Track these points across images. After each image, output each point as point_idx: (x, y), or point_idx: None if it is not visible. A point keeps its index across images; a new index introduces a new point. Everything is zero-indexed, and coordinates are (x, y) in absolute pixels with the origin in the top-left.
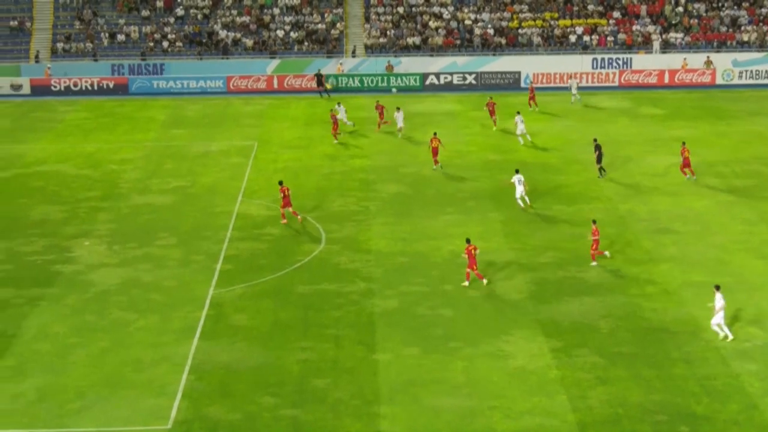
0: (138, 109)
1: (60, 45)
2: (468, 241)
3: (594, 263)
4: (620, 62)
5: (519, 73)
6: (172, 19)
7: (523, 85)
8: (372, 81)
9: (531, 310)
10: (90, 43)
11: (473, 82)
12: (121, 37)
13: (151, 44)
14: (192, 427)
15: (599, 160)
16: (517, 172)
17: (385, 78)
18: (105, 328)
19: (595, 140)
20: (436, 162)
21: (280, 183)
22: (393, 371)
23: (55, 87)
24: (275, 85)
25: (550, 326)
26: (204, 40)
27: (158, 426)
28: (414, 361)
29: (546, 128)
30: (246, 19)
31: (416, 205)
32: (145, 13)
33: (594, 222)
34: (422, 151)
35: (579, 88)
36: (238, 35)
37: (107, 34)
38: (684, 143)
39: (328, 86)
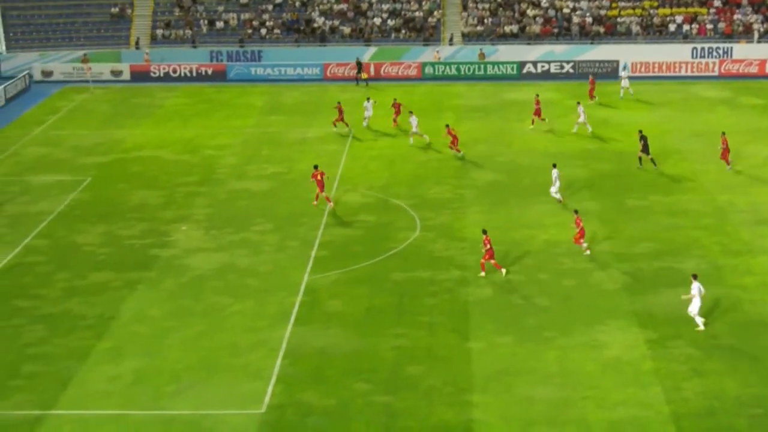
0: (236, 96)
1: (159, 32)
2: (484, 232)
3: (585, 251)
4: (720, 51)
5: (617, 62)
6: (270, 7)
7: (620, 74)
8: (469, 69)
9: (626, 300)
10: (189, 30)
11: (570, 70)
12: (219, 24)
13: (250, 31)
14: (285, 412)
15: (645, 150)
16: (554, 166)
17: (481, 66)
18: (201, 312)
19: (641, 132)
20: (458, 150)
21: (315, 167)
22: (486, 360)
23: (154, 73)
24: (372, 73)
25: (645, 317)
26: (302, 28)
27: (252, 410)
28: (507, 350)
29: (643, 118)
30: (343, 6)
31: (511, 193)
32: (243, 0)
33: (576, 212)
34: (517, 139)
35: (674, 78)
36: (336, 23)
37: (206, 21)
38: (723, 133)
39: (364, 75)
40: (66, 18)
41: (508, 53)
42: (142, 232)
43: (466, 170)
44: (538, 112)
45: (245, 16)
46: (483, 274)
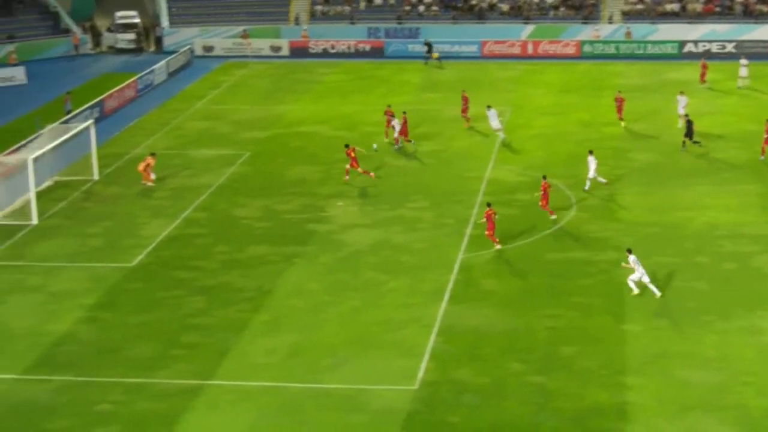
0: (394, 73)
1: (318, 8)
2: (489, 204)
3: (553, 216)
4: None
5: None
6: None
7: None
8: (628, 48)
9: None
10: (347, 7)
11: (732, 50)
12: (378, 1)
13: (408, 8)
14: (439, 389)
15: (689, 134)
16: (590, 153)
17: (642, 45)
18: (357, 287)
19: (687, 115)
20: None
21: (347, 146)
22: (642, 342)
23: (312, 49)
24: (530, 51)
25: None
26: (459, 5)
27: (406, 386)
28: (664, 333)
29: None
30: None
31: (670, 174)
32: None
33: (544, 177)
34: (677, 119)
35: None
36: (494, 0)
37: None
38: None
39: (435, 55)
40: None
41: (668, 32)
42: (299, 206)
43: (624, 150)
44: (619, 110)
45: None
46: (498, 246)
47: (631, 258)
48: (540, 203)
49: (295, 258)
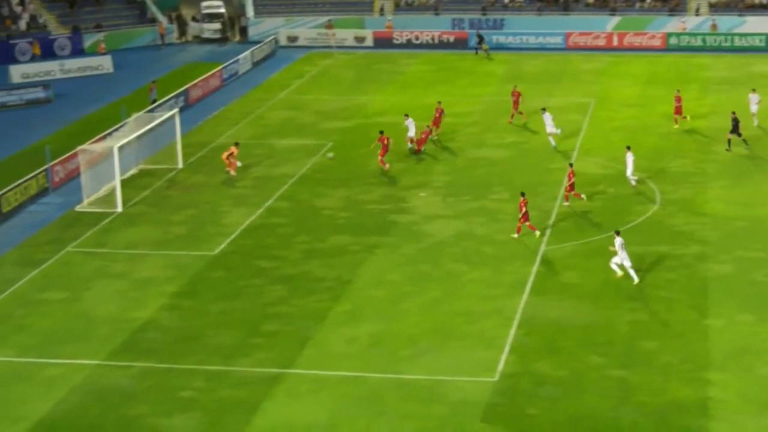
0: (477, 64)
1: None
2: (522, 194)
3: (566, 203)
4: None
5: None
6: None
7: None
8: (715, 40)
9: None
10: None
11: None
12: None
13: None
14: (519, 381)
15: (735, 130)
16: (628, 148)
17: (729, 38)
18: (438, 278)
19: (733, 113)
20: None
21: (381, 132)
22: (726, 338)
23: (396, 40)
24: (615, 42)
25: None
26: None
27: (486, 378)
28: (748, 329)
29: None
30: None
31: (757, 168)
32: None
33: (570, 164)
34: (764, 112)
35: None
36: None
37: None
38: None
39: (485, 47)
40: None
41: (756, 24)
42: (381, 197)
43: (709, 143)
44: (678, 110)
45: None
46: (516, 235)
47: (618, 241)
48: (566, 190)
49: (376, 248)
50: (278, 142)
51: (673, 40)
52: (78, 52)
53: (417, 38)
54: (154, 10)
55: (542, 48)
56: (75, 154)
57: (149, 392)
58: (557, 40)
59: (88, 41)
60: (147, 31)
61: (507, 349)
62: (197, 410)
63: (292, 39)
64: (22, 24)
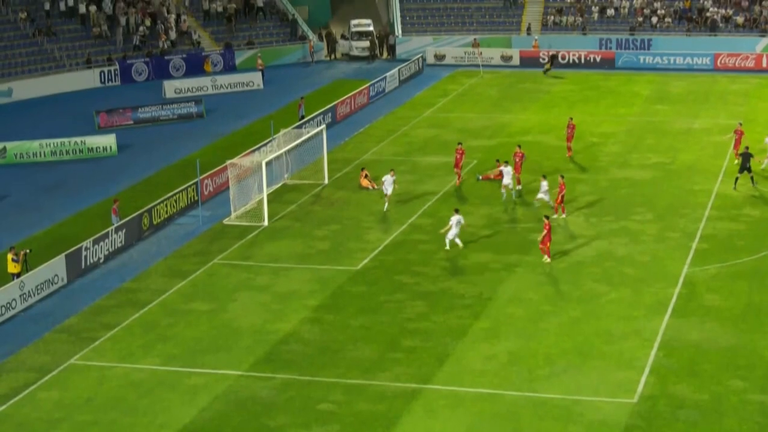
0: (622, 84)
1: (551, 18)
2: (546, 217)
3: (558, 215)
4: None
5: None
6: None
7: None
8: None
9: None
10: (580, 17)
11: None
12: (610, 12)
13: (640, 20)
14: (657, 403)
15: (742, 170)
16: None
17: None
18: (578, 298)
19: (747, 148)
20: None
21: (459, 144)
22: None
23: (543, 59)
24: (764, 64)
25: None
26: (693, 17)
27: (624, 399)
28: None
29: None
30: None
31: None
32: None
33: (561, 176)
34: None
35: None
36: (729, 12)
37: (597, 8)
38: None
39: (547, 66)
40: (460, 3)
41: None
42: (522, 215)
43: None
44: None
45: (637, 3)
46: (548, 259)
47: (454, 218)
48: (556, 202)
49: (517, 267)
50: (422, 159)
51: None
52: (230, 68)
53: (564, 58)
54: (304, 28)
55: (690, 69)
56: (224, 168)
57: (289, 404)
58: (705, 60)
59: (239, 58)
60: (297, 48)
61: (646, 370)
62: (335, 423)
63: (439, 57)
64: (176, 39)
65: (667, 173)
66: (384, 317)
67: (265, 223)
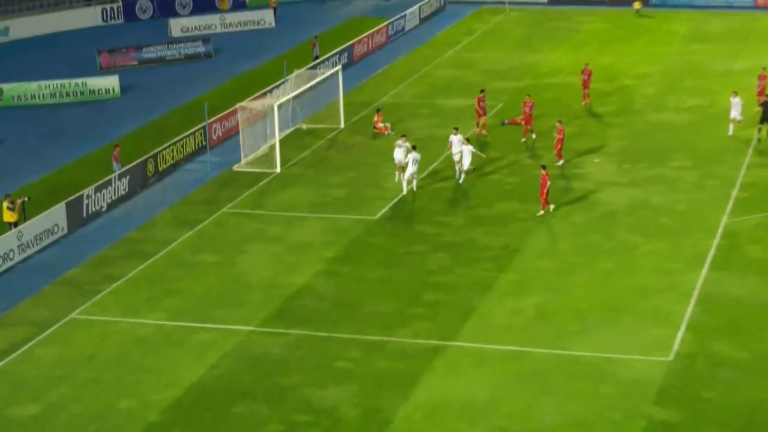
0: (659, 22)
1: None
2: (543, 167)
3: (560, 162)
4: None
5: None
6: None
7: None
8: None
9: None
10: None
11: None
12: None
13: None
14: (695, 362)
15: (763, 120)
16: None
17: None
18: (610, 249)
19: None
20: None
21: (482, 91)
22: None
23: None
24: None
25: None
26: None
27: (660, 357)
28: None
29: None
30: None
31: None
32: None
33: (559, 121)
34: None
35: None
36: None
37: None
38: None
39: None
40: None
41: None
42: (552, 162)
43: None
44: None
45: None
46: (552, 207)
47: (412, 156)
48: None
49: (545, 216)
50: (443, 101)
51: None
52: (240, 5)
53: None
54: None
55: (729, 6)
56: (234, 111)
57: (303, 361)
58: None
59: None
60: None
61: (683, 327)
62: (353, 382)
63: None
64: None
65: (706, 117)
66: (404, 270)
67: (278, 169)
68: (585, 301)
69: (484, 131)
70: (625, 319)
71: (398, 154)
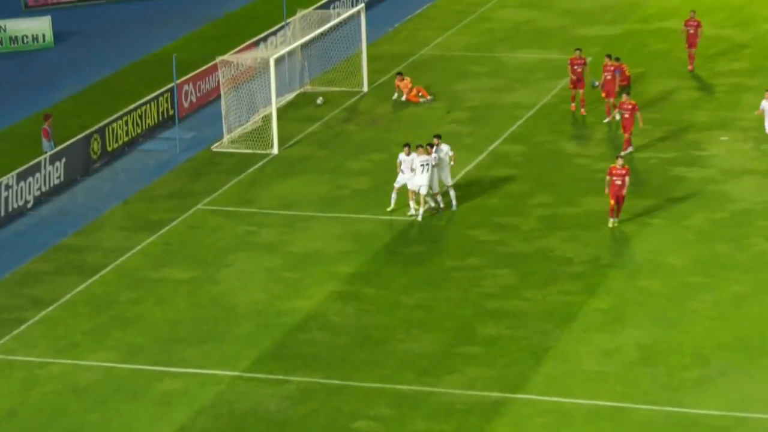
0: None
1: None
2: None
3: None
4: None
5: None
6: None
7: None
8: None
9: None
10: None
11: None
12: None
13: None
14: None
15: None
16: None
17: None
18: (743, 265)
19: None
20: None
21: (577, 50)
22: None
23: None
24: None
25: None
26: None
27: None
28: None
29: None
30: None
31: None
32: None
33: (627, 93)
34: None
35: None
36: None
37: None
38: None
39: None
40: None
41: None
42: (662, 141)
43: None
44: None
45: None
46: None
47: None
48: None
49: (652, 217)
50: (507, 55)
51: None
52: None
53: None
54: None
55: None
56: (213, 68)
57: (310, 420)
58: None
59: None
60: None
61: None
62: None
63: None
64: None
65: None
66: (451, 292)
67: (274, 150)
68: (707, 337)
69: (582, 110)
70: (763, 364)
71: (403, 177)
